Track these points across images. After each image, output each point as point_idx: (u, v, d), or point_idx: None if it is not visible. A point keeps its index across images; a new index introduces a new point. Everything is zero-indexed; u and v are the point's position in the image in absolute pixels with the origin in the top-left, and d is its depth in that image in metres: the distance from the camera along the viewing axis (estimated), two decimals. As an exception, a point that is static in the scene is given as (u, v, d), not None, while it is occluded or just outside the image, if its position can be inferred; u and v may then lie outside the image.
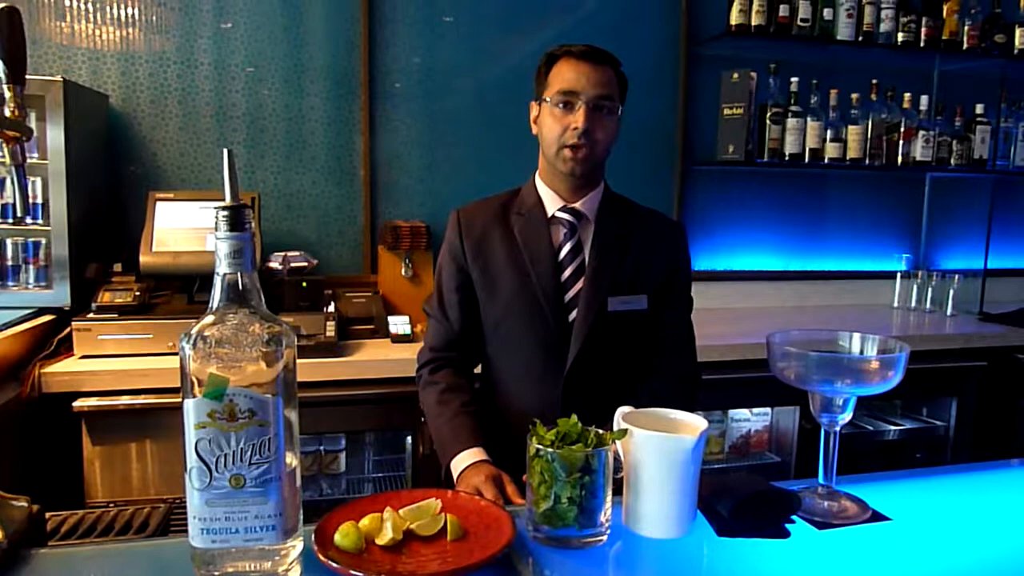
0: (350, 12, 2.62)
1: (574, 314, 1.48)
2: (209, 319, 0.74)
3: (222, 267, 0.75)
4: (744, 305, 3.07)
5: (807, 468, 2.51)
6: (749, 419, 2.67)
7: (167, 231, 2.26)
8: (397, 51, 2.68)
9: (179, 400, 2.09)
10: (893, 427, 2.74)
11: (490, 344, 1.57)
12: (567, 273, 1.50)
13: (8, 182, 2.12)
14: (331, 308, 2.30)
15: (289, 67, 2.59)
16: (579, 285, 1.49)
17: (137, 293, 2.14)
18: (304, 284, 2.28)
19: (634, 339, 1.52)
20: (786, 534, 0.93)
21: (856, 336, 1.02)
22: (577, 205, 1.52)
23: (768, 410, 2.68)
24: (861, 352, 1.01)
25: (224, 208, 0.75)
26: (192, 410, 0.73)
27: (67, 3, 2.45)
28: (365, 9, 2.61)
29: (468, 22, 2.74)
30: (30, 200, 2.22)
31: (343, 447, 2.33)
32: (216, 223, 0.75)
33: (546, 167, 1.54)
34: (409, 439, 2.27)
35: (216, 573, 0.77)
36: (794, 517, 0.97)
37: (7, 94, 0.93)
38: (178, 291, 2.29)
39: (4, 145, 0.94)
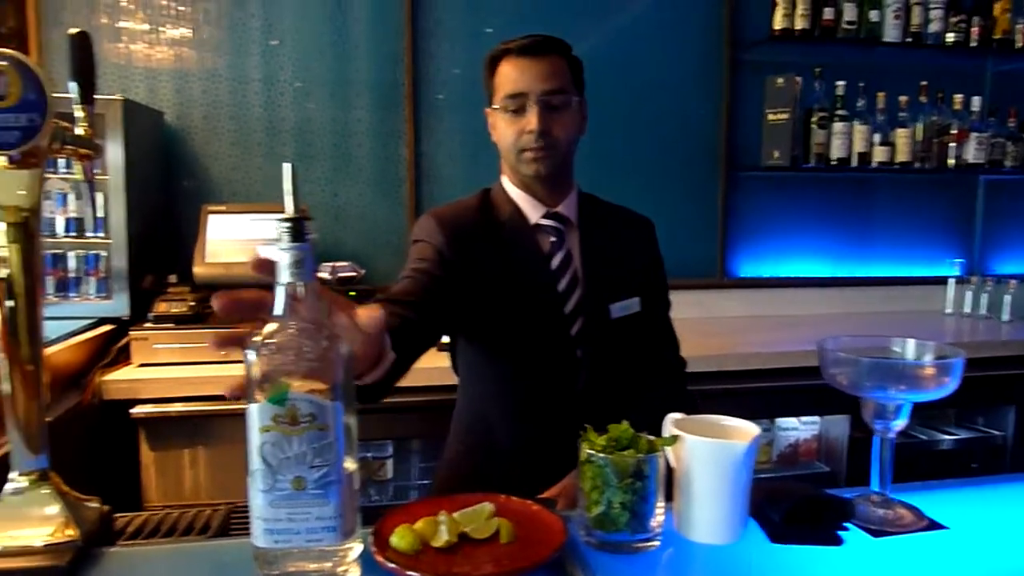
0: (394, 26, 2.67)
1: (576, 327, 1.40)
2: (272, 327, 0.77)
3: (284, 276, 0.78)
4: (790, 312, 3.03)
5: (858, 479, 2.46)
6: (797, 428, 2.64)
7: (219, 243, 2.32)
8: (439, 63, 2.73)
9: (231, 407, 2.13)
10: (947, 436, 2.68)
11: (480, 372, 1.46)
12: (563, 284, 1.40)
13: (72, 197, 2.21)
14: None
15: (335, 81, 2.66)
16: (576, 296, 1.40)
17: (191, 303, 2.21)
18: (352, 293, 2.33)
19: (633, 343, 1.46)
20: (839, 541, 0.92)
21: (911, 342, 1.00)
22: (560, 209, 1.43)
23: (817, 419, 2.64)
24: (916, 358, 1.00)
25: (286, 220, 0.78)
26: (256, 414, 0.75)
27: (124, 25, 2.55)
28: (409, 22, 2.66)
29: (509, 32, 2.76)
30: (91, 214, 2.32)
31: (390, 454, 2.36)
32: (278, 234, 0.78)
33: (512, 173, 1.45)
34: (445, 446, 2.29)
35: (277, 572, 0.80)
36: (848, 524, 0.96)
37: (79, 114, 0.98)
38: (230, 301, 2.36)
39: (77, 162, 0.99)
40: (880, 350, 1.01)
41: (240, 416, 2.20)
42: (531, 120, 1.34)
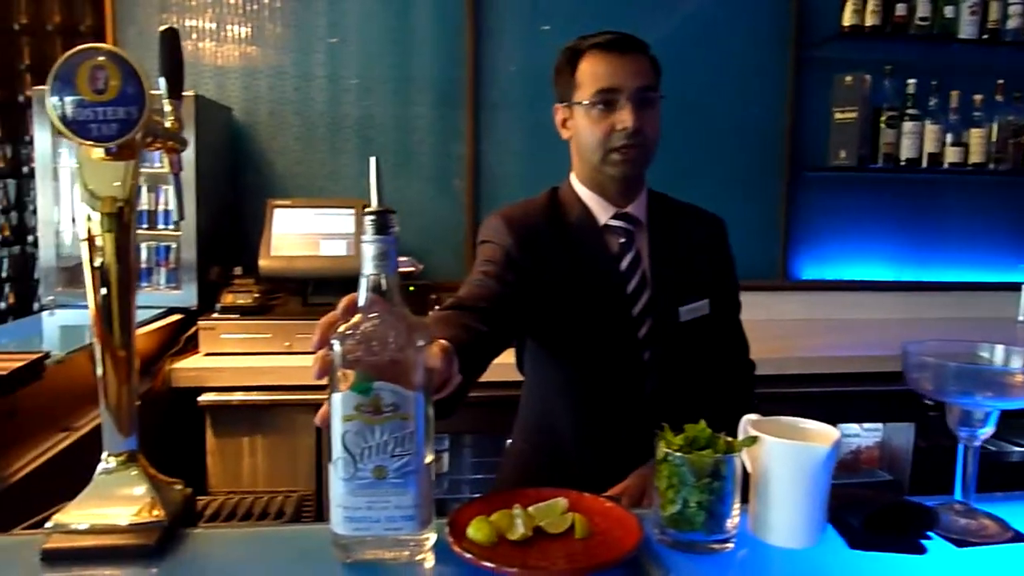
0: (455, 24, 2.69)
1: (644, 330, 1.38)
2: (356, 318, 0.78)
3: (368, 268, 0.79)
4: (854, 316, 2.96)
5: (922, 489, 2.39)
6: (859, 434, 2.58)
7: (283, 236, 2.37)
8: (498, 61, 2.74)
9: (292, 398, 2.16)
10: (1018, 448, 2.58)
11: (546, 373, 1.45)
12: (631, 286, 1.38)
13: (144, 190, 2.29)
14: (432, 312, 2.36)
15: (398, 78, 2.69)
16: (644, 298, 1.38)
17: (257, 295, 2.26)
18: (411, 288, 2.36)
19: (702, 346, 1.44)
20: (923, 550, 0.89)
21: (999, 348, 0.97)
22: (629, 210, 1.41)
23: (879, 426, 2.58)
24: (1004, 364, 0.97)
25: (371, 212, 0.79)
26: (340, 403, 0.76)
27: (193, 24, 2.62)
28: (471, 20, 2.68)
29: (566, 31, 2.75)
30: (161, 207, 2.40)
31: (446, 448, 2.38)
32: (364, 226, 0.79)
33: (588, 172, 1.41)
34: (509, 443, 2.30)
35: (355, 558, 0.81)
36: (930, 533, 0.93)
37: (167, 108, 1.01)
38: (292, 293, 2.41)
39: (164, 155, 1.02)
40: (967, 355, 0.98)
41: (298, 407, 2.24)
42: (625, 117, 1.31)
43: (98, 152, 0.88)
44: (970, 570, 0.88)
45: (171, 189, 2.24)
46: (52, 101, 0.85)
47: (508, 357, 2.22)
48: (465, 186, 2.75)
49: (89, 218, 0.89)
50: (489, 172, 2.77)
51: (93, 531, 0.86)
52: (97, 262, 0.89)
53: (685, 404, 1.36)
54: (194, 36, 2.63)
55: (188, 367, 2.10)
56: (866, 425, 2.57)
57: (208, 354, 2.19)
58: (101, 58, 0.86)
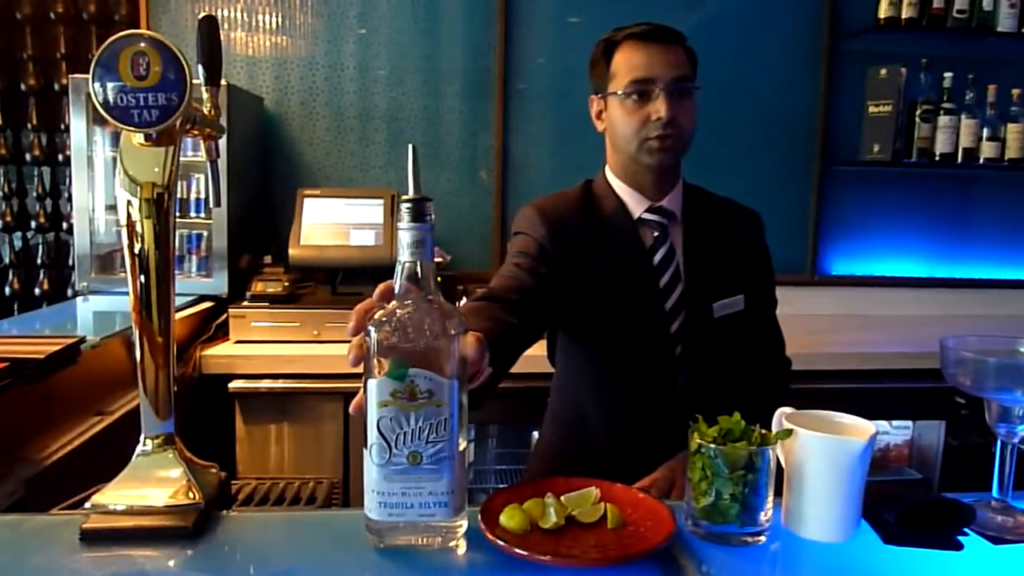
0: (485, 15, 2.68)
1: (676, 324, 1.37)
2: (392, 305, 0.78)
3: (404, 255, 0.80)
4: (884, 313, 2.92)
5: (952, 487, 2.35)
6: (888, 431, 2.55)
7: (313, 226, 2.39)
8: (527, 52, 2.73)
9: (320, 386, 2.18)
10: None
11: (576, 366, 1.45)
12: (664, 280, 1.38)
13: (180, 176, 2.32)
14: (463, 303, 2.37)
15: (428, 69, 2.69)
16: (677, 292, 1.37)
17: (286, 284, 2.28)
18: (438, 279, 2.36)
19: (736, 343, 1.42)
20: (959, 546, 0.88)
21: (1041, 344, 0.96)
22: (664, 203, 1.40)
23: (909, 423, 2.54)
24: (1048, 361, 0.95)
25: (408, 200, 0.79)
26: (375, 389, 0.77)
27: (225, 14, 2.64)
28: (501, 11, 2.67)
29: (595, 23, 2.74)
30: (193, 195, 2.42)
31: (472, 438, 2.39)
32: (400, 214, 0.80)
33: (623, 164, 1.40)
34: (536, 434, 2.30)
35: (388, 544, 0.82)
36: (966, 530, 0.92)
37: (205, 95, 1.02)
38: (321, 283, 2.43)
39: (202, 142, 1.03)
40: (1006, 351, 0.97)
41: (326, 395, 2.25)
42: (660, 107, 1.30)
43: (138, 138, 0.89)
44: (1007, 568, 0.87)
45: (203, 177, 2.32)
46: (94, 87, 0.86)
47: (536, 348, 2.22)
48: (493, 177, 2.75)
49: (129, 204, 0.90)
50: (517, 163, 2.76)
51: (131, 512, 0.88)
52: (137, 248, 0.90)
53: (717, 400, 1.35)
54: (226, 26, 2.65)
55: (218, 354, 2.13)
56: (895, 423, 2.54)
57: (238, 341, 2.21)
58: (143, 44, 0.86)
